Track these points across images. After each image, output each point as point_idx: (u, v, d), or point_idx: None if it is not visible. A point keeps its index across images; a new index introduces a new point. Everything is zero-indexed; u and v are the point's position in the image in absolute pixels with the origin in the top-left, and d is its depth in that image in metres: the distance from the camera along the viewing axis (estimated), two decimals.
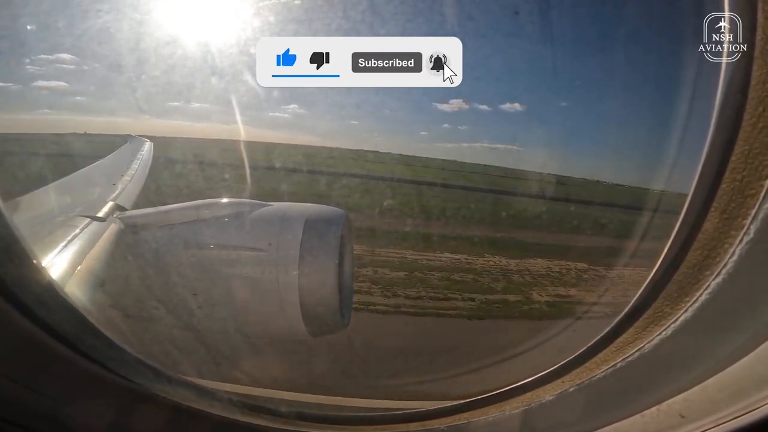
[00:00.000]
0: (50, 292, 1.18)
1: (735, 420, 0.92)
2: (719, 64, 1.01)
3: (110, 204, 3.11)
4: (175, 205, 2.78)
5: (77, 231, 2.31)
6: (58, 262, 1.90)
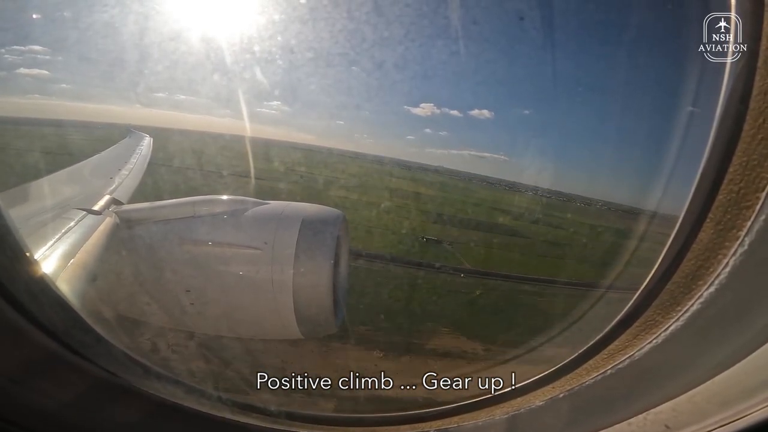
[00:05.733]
0: (41, 285, 1.17)
1: (720, 429, 0.92)
2: (720, 72, 1.00)
3: (107, 197, 3.09)
4: (172, 200, 2.77)
5: (72, 224, 2.29)
6: (51, 255, 1.88)
